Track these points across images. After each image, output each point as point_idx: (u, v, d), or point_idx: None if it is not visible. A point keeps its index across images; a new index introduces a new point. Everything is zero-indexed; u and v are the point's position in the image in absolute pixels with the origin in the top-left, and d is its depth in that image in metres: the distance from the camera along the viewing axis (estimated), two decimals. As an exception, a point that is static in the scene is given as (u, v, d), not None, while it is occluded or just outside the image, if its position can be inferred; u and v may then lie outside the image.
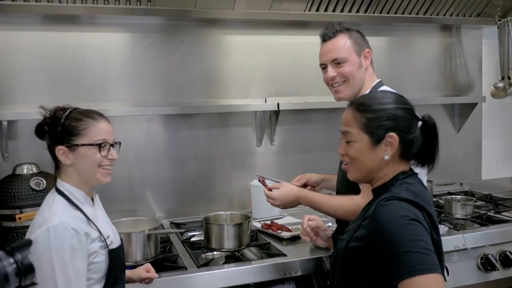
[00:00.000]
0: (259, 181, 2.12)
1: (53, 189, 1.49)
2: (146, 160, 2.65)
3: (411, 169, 1.45)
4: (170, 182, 2.71)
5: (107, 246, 1.46)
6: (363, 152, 1.40)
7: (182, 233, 2.38)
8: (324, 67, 1.94)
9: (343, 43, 1.88)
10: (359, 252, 1.36)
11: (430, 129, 1.41)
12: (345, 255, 1.40)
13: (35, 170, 2.15)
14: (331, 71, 1.90)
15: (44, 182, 2.08)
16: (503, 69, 3.16)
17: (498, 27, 3.15)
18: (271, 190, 1.98)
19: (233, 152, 2.82)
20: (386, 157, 1.38)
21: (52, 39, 2.45)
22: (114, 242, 1.52)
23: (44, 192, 2.03)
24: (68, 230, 1.36)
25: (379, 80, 1.94)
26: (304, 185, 2.09)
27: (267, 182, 2.06)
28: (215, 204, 2.75)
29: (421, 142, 1.40)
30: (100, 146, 1.47)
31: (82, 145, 1.45)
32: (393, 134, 1.37)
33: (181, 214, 2.69)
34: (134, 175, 2.64)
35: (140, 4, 2.39)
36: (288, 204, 1.94)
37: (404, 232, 1.24)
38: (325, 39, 1.93)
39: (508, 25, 3.09)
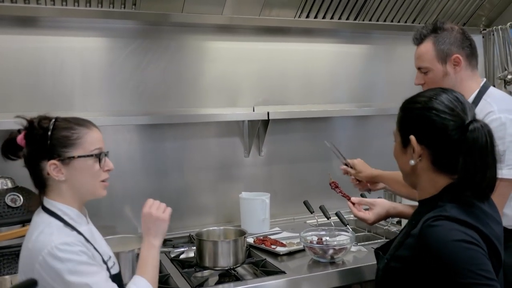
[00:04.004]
0: (331, 186, 2.11)
1: (39, 210, 1.32)
2: (128, 172, 2.49)
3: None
4: (153, 196, 2.44)
5: (109, 269, 1.31)
6: (397, 154, 1.38)
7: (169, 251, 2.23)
8: None
9: (426, 51, 1.84)
10: (400, 274, 1.26)
11: (469, 140, 1.19)
12: (385, 276, 1.30)
13: (10, 185, 1.96)
14: (418, 78, 1.90)
15: (21, 198, 1.90)
16: (489, 78, 3.17)
17: (483, 37, 3.17)
18: (349, 198, 1.94)
19: (220, 164, 2.69)
20: (412, 162, 1.29)
21: (27, 43, 2.27)
22: (116, 264, 1.37)
23: (21, 209, 1.85)
24: (72, 246, 1.22)
25: (484, 81, 1.86)
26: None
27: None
28: (201, 218, 2.62)
29: (459, 155, 1.20)
30: (99, 156, 1.32)
31: (79, 157, 1.29)
32: (412, 137, 1.28)
33: (166, 229, 2.55)
34: (115, 188, 2.45)
35: (125, 8, 2.25)
36: (379, 221, 1.90)
37: (464, 259, 1.13)
38: (414, 43, 1.91)
39: (493, 35, 3.11)
